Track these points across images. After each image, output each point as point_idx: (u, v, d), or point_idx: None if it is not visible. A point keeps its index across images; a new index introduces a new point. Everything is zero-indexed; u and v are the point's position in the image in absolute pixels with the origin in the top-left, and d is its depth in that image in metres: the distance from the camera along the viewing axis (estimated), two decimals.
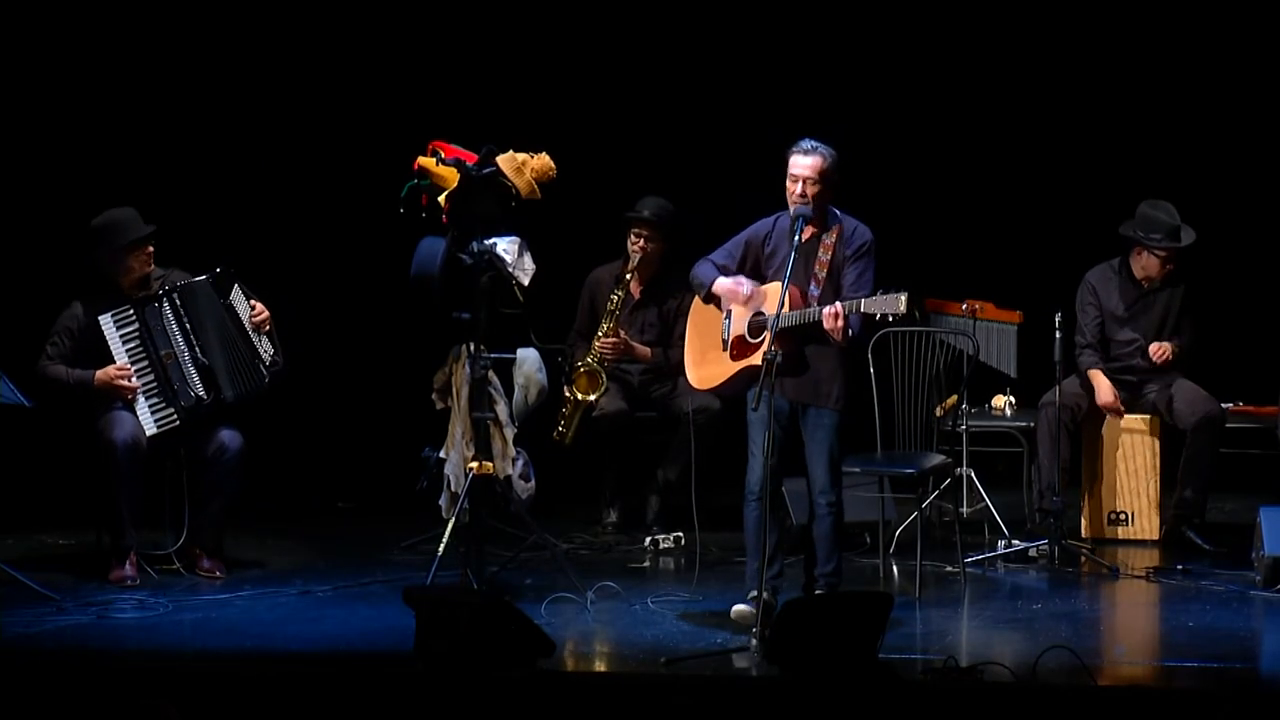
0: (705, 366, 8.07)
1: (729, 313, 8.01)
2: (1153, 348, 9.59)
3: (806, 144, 7.91)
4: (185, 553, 8.83)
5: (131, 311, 8.78)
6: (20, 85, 10.64)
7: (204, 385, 8.80)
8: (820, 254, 7.91)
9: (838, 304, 7.71)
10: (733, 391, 8.01)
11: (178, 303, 8.81)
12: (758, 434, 7.81)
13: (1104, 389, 9.61)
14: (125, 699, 6.80)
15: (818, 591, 8.03)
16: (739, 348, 7.98)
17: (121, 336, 8.76)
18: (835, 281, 7.89)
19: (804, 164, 7.88)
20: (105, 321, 8.74)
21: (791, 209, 7.89)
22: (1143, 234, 9.59)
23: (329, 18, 11.05)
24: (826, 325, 7.71)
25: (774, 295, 7.77)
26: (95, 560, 8.78)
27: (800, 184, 7.87)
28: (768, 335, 7.67)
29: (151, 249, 8.83)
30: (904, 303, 7.59)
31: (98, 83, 10.77)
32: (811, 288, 7.88)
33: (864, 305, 7.67)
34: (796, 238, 7.79)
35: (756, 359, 7.78)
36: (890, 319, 7.67)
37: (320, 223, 10.99)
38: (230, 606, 8.30)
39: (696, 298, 8.15)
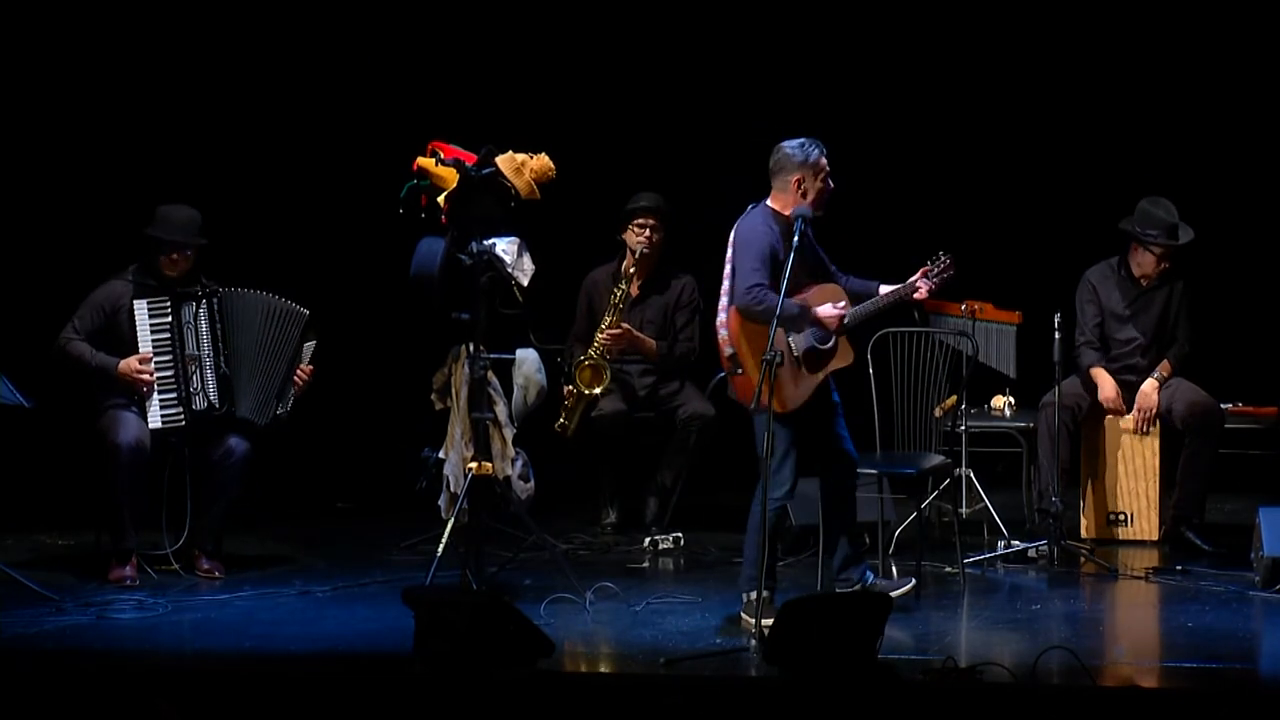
0: (787, 387, 7.92)
1: (808, 307, 8.01)
2: (1137, 404, 9.61)
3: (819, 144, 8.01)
4: (184, 553, 8.83)
5: (168, 304, 8.78)
6: (20, 86, 10.65)
7: (219, 395, 8.81)
8: (814, 246, 8.02)
9: (924, 280, 8.11)
10: (807, 403, 8.01)
11: (215, 308, 8.82)
12: (785, 439, 7.83)
13: (1106, 385, 9.62)
14: (125, 699, 6.82)
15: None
16: (811, 359, 7.97)
17: (152, 326, 8.75)
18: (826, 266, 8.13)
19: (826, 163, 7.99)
20: (140, 308, 8.74)
21: (793, 209, 7.88)
22: (1140, 229, 9.60)
23: (329, 18, 11.05)
24: (922, 296, 8.10)
25: (826, 296, 7.96)
26: (95, 560, 8.79)
27: (830, 180, 7.97)
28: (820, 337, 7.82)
29: (179, 258, 8.81)
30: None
31: (96, 83, 10.77)
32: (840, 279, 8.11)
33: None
34: (796, 238, 7.79)
35: (840, 362, 7.99)
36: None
37: (320, 223, 11.00)
38: (229, 607, 8.30)
39: (740, 328, 7.86)
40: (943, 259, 8.16)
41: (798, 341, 7.95)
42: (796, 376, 7.94)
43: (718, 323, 7.93)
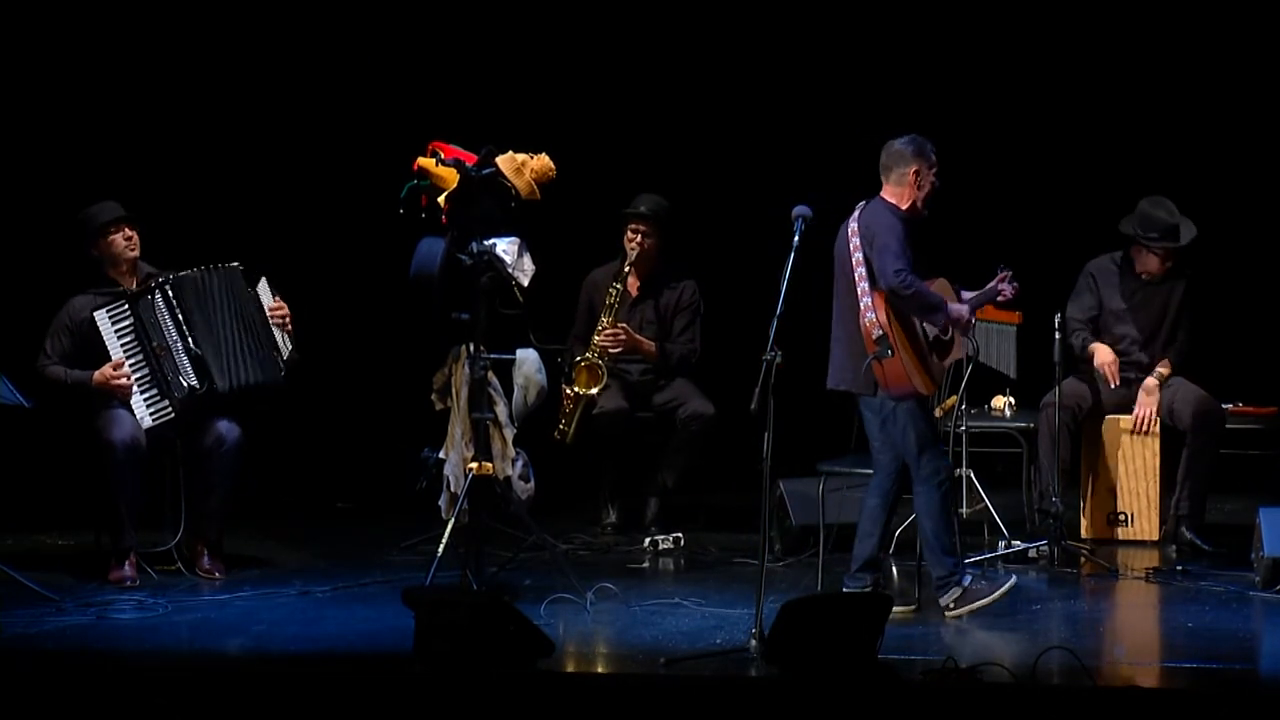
0: (926, 369, 8.05)
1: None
2: (1136, 410, 9.63)
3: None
4: (186, 548, 8.83)
5: (126, 306, 8.80)
6: (23, 85, 10.65)
7: (197, 375, 8.83)
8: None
9: (1006, 283, 8.36)
10: None
11: (170, 294, 8.85)
12: (934, 422, 8.14)
13: (1103, 352, 9.61)
14: (125, 699, 6.82)
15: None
16: (940, 347, 8.12)
17: (116, 332, 8.78)
18: None
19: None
20: (100, 318, 8.77)
21: (795, 208, 7.87)
22: (1141, 232, 9.60)
23: (329, 18, 11.05)
24: (1006, 298, 8.37)
25: (941, 290, 8.08)
26: (95, 560, 8.78)
27: (939, 182, 8.13)
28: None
29: (132, 234, 8.86)
30: None
31: (97, 83, 10.78)
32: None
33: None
34: (796, 238, 7.78)
35: (957, 354, 8.21)
36: None
37: (320, 223, 10.99)
38: (229, 607, 8.30)
39: (889, 312, 7.96)
40: (1005, 270, 8.40)
41: (930, 328, 8.09)
42: (931, 362, 8.07)
43: (863, 306, 7.95)
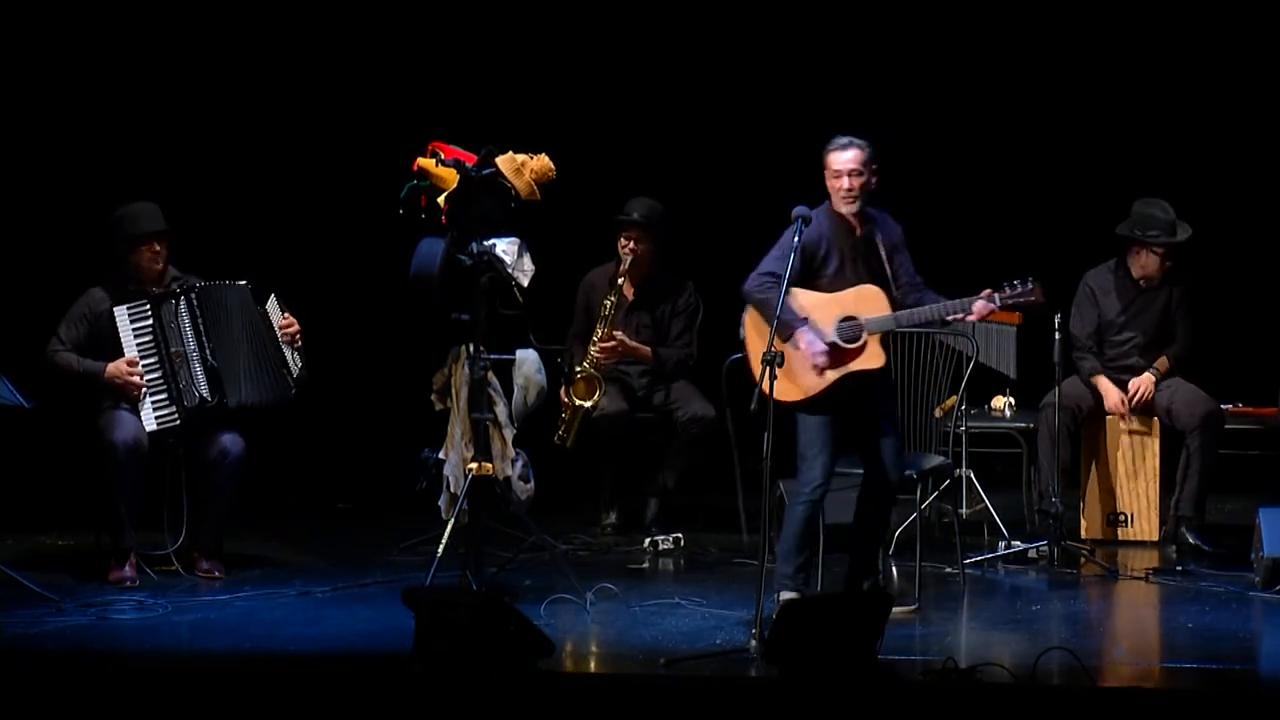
0: (792, 379, 7.89)
1: (805, 320, 7.90)
2: (1132, 384, 9.60)
3: (842, 139, 8.02)
4: (184, 554, 8.83)
5: (148, 307, 8.78)
6: (27, 85, 10.66)
7: (209, 387, 8.81)
8: (880, 249, 8.03)
9: (984, 300, 8.00)
10: (827, 399, 7.96)
11: (195, 303, 8.82)
12: (817, 435, 7.87)
13: (1111, 394, 9.61)
14: (125, 699, 6.82)
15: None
16: (834, 355, 7.93)
17: (134, 330, 8.76)
18: (893, 272, 8.04)
19: (845, 158, 7.98)
20: (120, 314, 8.75)
21: (794, 209, 7.87)
22: (1140, 232, 9.60)
23: (329, 18, 11.05)
24: (978, 316, 8.00)
25: (865, 298, 7.92)
26: (95, 561, 8.78)
27: (847, 178, 7.97)
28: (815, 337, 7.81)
29: (161, 248, 8.84)
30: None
31: (100, 84, 10.79)
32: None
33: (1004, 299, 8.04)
34: (796, 239, 7.78)
35: (864, 363, 7.89)
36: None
37: (320, 224, 11.00)
38: (229, 607, 8.30)
39: (750, 312, 8.00)
40: (1029, 284, 8.10)
41: (823, 333, 7.90)
42: (806, 370, 7.91)
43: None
